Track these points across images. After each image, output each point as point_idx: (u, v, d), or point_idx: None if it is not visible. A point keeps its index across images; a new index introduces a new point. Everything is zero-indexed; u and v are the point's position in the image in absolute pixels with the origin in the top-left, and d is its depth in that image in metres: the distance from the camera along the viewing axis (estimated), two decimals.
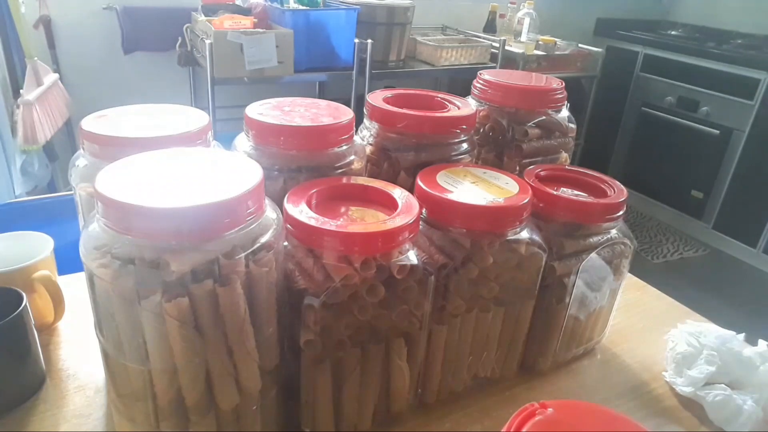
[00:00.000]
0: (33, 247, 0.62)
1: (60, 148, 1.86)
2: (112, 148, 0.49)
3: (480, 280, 0.51)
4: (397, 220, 0.45)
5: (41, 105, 1.54)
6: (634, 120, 2.84)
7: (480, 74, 0.72)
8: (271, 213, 0.43)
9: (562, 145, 0.72)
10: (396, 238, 0.44)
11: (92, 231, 0.39)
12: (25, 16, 1.63)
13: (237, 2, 1.96)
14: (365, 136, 0.63)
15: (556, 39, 2.39)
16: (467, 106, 0.65)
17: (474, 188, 0.53)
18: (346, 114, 0.57)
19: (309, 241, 0.45)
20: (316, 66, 1.87)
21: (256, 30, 1.72)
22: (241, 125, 0.56)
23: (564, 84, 0.71)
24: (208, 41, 1.66)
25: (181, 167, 0.43)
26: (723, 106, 2.45)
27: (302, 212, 0.45)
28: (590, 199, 0.58)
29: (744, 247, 2.49)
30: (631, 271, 0.67)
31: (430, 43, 2.13)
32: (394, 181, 0.58)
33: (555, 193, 0.58)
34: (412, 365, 0.51)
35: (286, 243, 0.46)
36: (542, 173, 0.62)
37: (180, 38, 1.98)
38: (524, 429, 0.35)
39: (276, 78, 1.80)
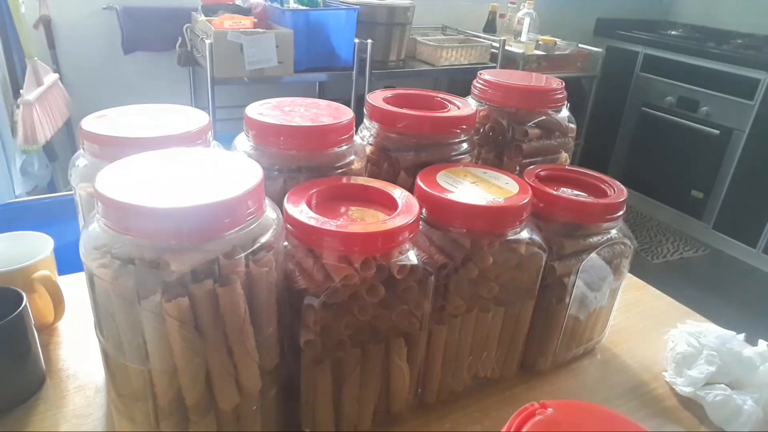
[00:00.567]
0: (33, 247, 0.62)
1: (60, 148, 1.86)
2: (112, 148, 0.49)
3: (480, 280, 0.51)
4: (397, 220, 0.45)
5: (41, 105, 1.53)
6: (634, 120, 2.84)
7: (480, 74, 0.72)
8: (271, 213, 0.43)
9: (562, 145, 0.72)
10: (396, 238, 0.44)
11: (92, 231, 0.39)
12: (25, 16, 1.62)
13: (237, 2, 1.96)
14: (365, 136, 0.63)
15: (556, 39, 2.39)
16: (467, 106, 0.65)
17: (474, 188, 0.53)
18: (346, 114, 0.57)
19: (309, 241, 0.45)
20: (316, 66, 1.87)
21: (256, 30, 1.72)
22: (241, 125, 0.56)
23: (564, 84, 0.71)
24: (208, 41, 1.66)
25: (181, 167, 0.43)
26: (723, 106, 2.45)
27: (302, 212, 0.45)
28: (590, 199, 0.58)
29: (744, 247, 2.49)
30: (631, 271, 0.67)
31: (430, 43, 2.13)
32: (394, 181, 0.58)
33: (555, 193, 0.58)
34: (412, 365, 0.51)
35: (286, 243, 0.46)
36: (542, 173, 0.62)
37: (180, 38, 1.98)
38: (524, 429, 0.35)
39: (276, 78, 1.80)
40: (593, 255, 0.58)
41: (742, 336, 0.64)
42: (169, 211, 0.36)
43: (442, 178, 0.54)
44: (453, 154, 0.62)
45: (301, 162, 0.54)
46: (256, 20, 1.79)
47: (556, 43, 2.37)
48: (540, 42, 2.35)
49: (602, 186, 0.62)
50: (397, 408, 0.53)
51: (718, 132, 2.47)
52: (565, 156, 0.73)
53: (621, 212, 0.58)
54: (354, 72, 1.92)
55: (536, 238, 0.53)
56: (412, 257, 0.46)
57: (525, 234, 0.53)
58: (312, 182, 0.51)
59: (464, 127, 0.62)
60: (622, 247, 0.61)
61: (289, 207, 0.46)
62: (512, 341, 0.59)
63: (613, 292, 0.64)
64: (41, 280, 0.59)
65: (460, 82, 2.38)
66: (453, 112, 0.63)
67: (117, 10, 1.92)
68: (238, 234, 0.39)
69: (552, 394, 0.60)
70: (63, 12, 1.88)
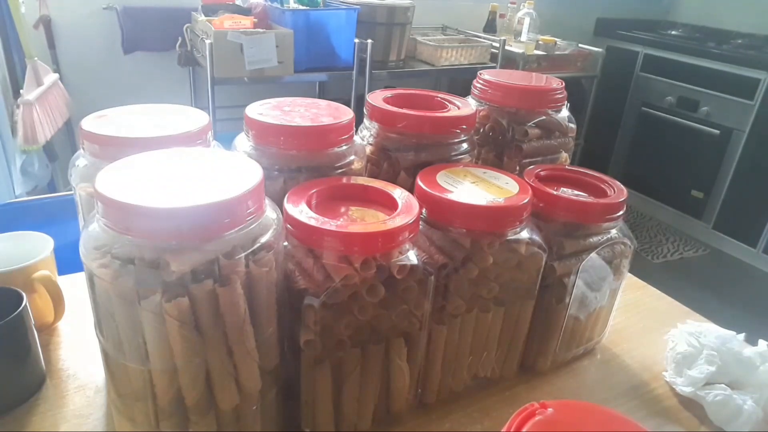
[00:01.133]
0: (33, 247, 0.62)
1: (60, 148, 1.86)
2: (112, 148, 0.49)
3: (480, 280, 0.51)
4: (397, 220, 0.45)
5: (41, 105, 1.53)
6: (634, 120, 2.84)
7: (480, 74, 0.72)
8: (271, 213, 0.43)
9: (562, 145, 0.72)
10: (396, 238, 0.44)
11: (92, 231, 0.39)
12: (25, 16, 1.62)
13: (237, 2, 1.96)
14: (365, 136, 0.63)
15: (556, 39, 2.39)
16: (467, 106, 0.65)
17: (474, 188, 0.53)
18: (346, 114, 0.57)
19: (309, 241, 0.45)
20: (316, 66, 1.87)
21: (256, 30, 1.72)
22: (241, 125, 0.56)
23: (564, 84, 0.71)
24: (208, 41, 1.66)
25: (181, 167, 0.43)
26: (723, 106, 2.45)
27: (302, 212, 0.45)
28: (590, 199, 0.58)
29: (744, 247, 2.49)
30: (631, 271, 0.67)
31: (430, 43, 2.13)
32: (394, 181, 0.58)
33: (555, 193, 0.58)
34: (412, 365, 0.51)
35: (286, 243, 0.46)
36: (542, 173, 0.62)
37: (180, 38, 1.98)
38: (524, 429, 0.35)
39: (276, 78, 1.80)
40: (593, 255, 0.58)
41: (742, 336, 0.64)
42: (169, 211, 0.36)
43: (442, 178, 0.54)
44: (453, 154, 0.62)
45: (301, 162, 0.54)
46: (256, 20, 1.79)
47: (556, 43, 2.37)
48: (540, 42, 2.35)
49: (602, 186, 0.62)
50: (397, 408, 0.53)
51: (718, 132, 2.47)
52: (565, 156, 0.73)
53: (621, 212, 0.58)
54: (354, 72, 1.92)
55: (536, 238, 0.53)
56: (412, 257, 0.46)
57: (525, 234, 0.53)
58: (312, 182, 0.51)
59: (464, 127, 0.62)
60: (622, 247, 0.61)
61: (289, 207, 0.46)
62: (512, 341, 0.59)
63: (613, 292, 0.64)
64: (41, 280, 0.59)
65: (460, 82, 2.39)
66: (453, 112, 0.63)
67: (117, 10, 1.92)
68: (238, 234, 0.39)
69: (552, 394, 0.60)
70: (63, 12, 1.88)
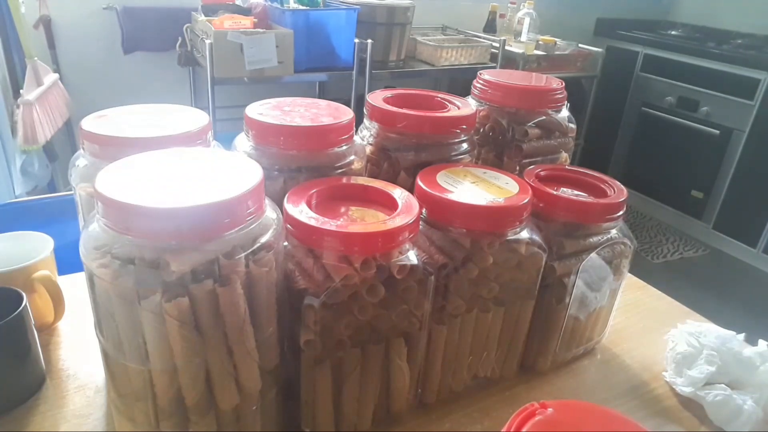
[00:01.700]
0: (33, 247, 0.62)
1: (60, 148, 1.86)
2: (112, 148, 0.49)
3: (480, 280, 0.51)
4: (397, 220, 0.45)
5: (41, 105, 1.53)
6: (634, 120, 2.84)
7: (480, 74, 0.72)
8: (271, 213, 0.43)
9: (562, 145, 0.72)
10: (396, 238, 0.44)
11: (92, 231, 0.39)
12: (25, 16, 1.62)
13: (237, 2, 1.96)
14: (365, 136, 0.63)
15: (556, 39, 2.39)
16: (467, 106, 0.65)
17: (474, 188, 0.53)
18: (346, 114, 0.57)
19: (309, 241, 0.45)
20: (316, 66, 1.87)
21: (256, 30, 1.72)
22: (241, 125, 0.56)
23: (564, 84, 0.71)
24: (208, 41, 1.66)
25: (181, 167, 0.43)
26: (723, 106, 2.45)
27: (302, 212, 0.45)
28: (590, 199, 0.58)
29: (744, 247, 2.49)
30: (631, 271, 0.67)
31: (430, 43, 2.13)
32: (394, 181, 0.58)
33: (555, 193, 0.58)
34: (412, 365, 0.51)
35: (286, 243, 0.46)
36: (542, 173, 0.62)
37: (180, 38, 1.98)
38: (524, 429, 0.35)
39: (276, 78, 1.80)
40: (593, 255, 0.58)
41: (742, 336, 0.64)
42: (169, 211, 0.36)
43: (442, 178, 0.54)
44: (453, 154, 0.62)
45: (301, 162, 0.54)
46: (256, 20, 1.79)
47: (556, 43, 2.37)
48: (540, 42, 2.35)
49: (602, 186, 0.62)
50: (397, 408, 0.53)
51: (718, 132, 2.47)
52: (565, 156, 0.73)
53: (621, 212, 0.58)
54: (354, 72, 1.92)
55: (536, 238, 0.53)
56: (412, 257, 0.46)
57: (525, 234, 0.53)
58: (312, 182, 0.51)
59: (464, 127, 0.62)
60: (622, 247, 0.61)
61: (289, 207, 0.46)
62: (512, 341, 0.59)
63: (613, 292, 0.64)
64: (41, 280, 0.59)
65: (460, 82, 2.38)
66: (453, 112, 0.63)
67: (117, 10, 1.92)
68: (238, 234, 0.39)
69: (552, 394, 0.60)
70: (63, 12, 1.88)
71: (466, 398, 0.58)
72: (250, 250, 0.40)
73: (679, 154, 2.66)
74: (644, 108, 2.77)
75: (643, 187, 2.85)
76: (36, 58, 1.57)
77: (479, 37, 2.34)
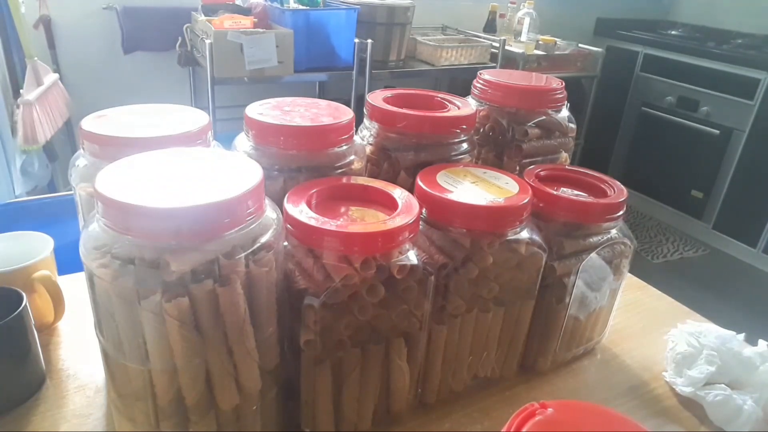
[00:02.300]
0: (33, 247, 0.62)
1: (60, 148, 1.86)
2: (112, 148, 0.49)
3: (480, 280, 0.51)
4: (397, 220, 0.45)
5: (41, 105, 1.53)
6: (634, 120, 2.84)
7: (480, 74, 0.72)
8: (271, 213, 0.43)
9: (562, 145, 0.72)
10: (396, 238, 0.44)
11: (92, 231, 0.39)
12: (25, 16, 1.62)
13: (237, 2, 1.96)
14: (365, 136, 0.63)
15: (556, 39, 2.39)
16: (467, 106, 0.65)
17: (474, 188, 0.53)
18: (346, 114, 0.57)
19: (309, 241, 0.45)
20: (316, 66, 1.87)
21: (256, 30, 1.71)
22: (241, 125, 0.56)
23: (564, 84, 0.71)
24: (208, 41, 1.66)
25: (181, 167, 0.43)
26: (723, 106, 2.45)
27: (302, 212, 0.45)
28: (590, 199, 0.58)
29: (744, 247, 2.49)
30: (631, 271, 0.67)
31: (430, 43, 2.13)
32: (394, 181, 0.58)
33: (555, 193, 0.58)
34: (412, 365, 0.51)
35: (286, 243, 0.46)
36: (542, 173, 0.62)
37: (180, 38, 1.98)
38: (524, 429, 0.35)
39: (276, 78, 1.80)
40: (593, 255, 0.58)
41: (742, 336, 0.64)
42: (169, 211, 0.36)
43: (442, 178, 0.54)
44: (453, 154, 0.62)
45: (301, 162, 0.54)
46: (256, 20, 1.79)
47: (556, 43, 2.37)
48: (540, 42, 2.35)
49: (602, 186, 0.62)
50: (397, 408, 0.53)
51: (718, 132, 2.47)
52: (565, 156, 0.73)
53: (621, 212, 0.58)
54: (354, 72, 1.92)
55: (536, 238, 0.53)
56: (412, 257, 0.46)
57: (525, 234, 0.53)
58: (312, 182, 0.51)
59: (464, 127, 0.62)
60: (622, 247, 0.61)
61: (289, 207, 0.46)
62: (512, 341, 0.59)
63: (613, 292, 0.64)
64: (41, 280, 0.59)
65: (460, 82, 2.39)
66: (453, 112, 0.63)
67: (117, 10, 1.92)
68: (238, 234, 0.39)
69: (552, 394, 0.60)
70: (63, 12, 1.88)
71: (466, 398, 0.58)
72: (250, 250, 0.40)
73: (679, 154, 2.66)
74: (644, 108, 2.77)
75: (643, 187, 2.85)
76: (36, 58, 1.57)
77: (479, 37, 2.34)
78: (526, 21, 2.43)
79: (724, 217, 2.55)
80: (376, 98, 0.63)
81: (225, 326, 0.40)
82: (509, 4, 2.55)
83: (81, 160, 0.53)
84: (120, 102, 0.61)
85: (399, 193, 0.50)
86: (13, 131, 1.51)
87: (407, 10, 2.01)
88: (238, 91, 2.01)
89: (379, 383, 0.51)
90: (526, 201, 0.52)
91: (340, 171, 0.56)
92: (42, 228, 0.65)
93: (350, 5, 1.88)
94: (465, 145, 0.63)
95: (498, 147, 0.70)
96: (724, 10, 2.93)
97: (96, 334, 0.44)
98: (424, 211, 0.51)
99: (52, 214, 1.04)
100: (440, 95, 0.68)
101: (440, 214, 0.51)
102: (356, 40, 1.88)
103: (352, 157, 0.57)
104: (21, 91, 1.54)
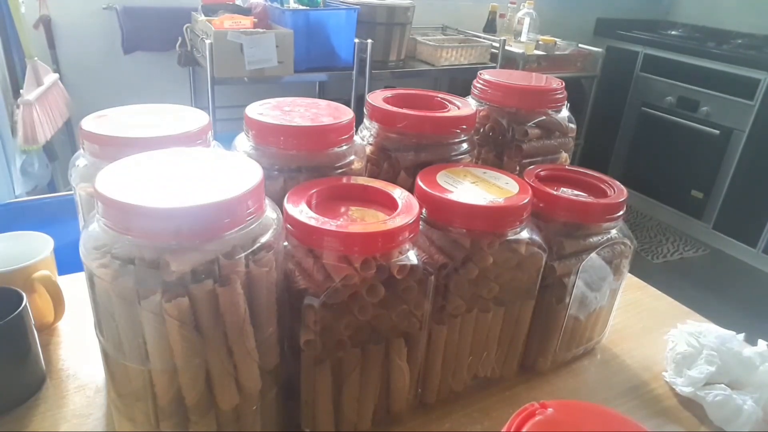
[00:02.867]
0: (33, 247, 0.62)
1: (60, 148, 1.86)
2: (112, 148, 0.49)
3: (480, 280, 0.51)
4: (397, 220, 0.45)
5: (41, 105, 1.53)
6: (634, 120, 2.84)
7: (480, 74, 0.72)
8: (271, 213, 0.43)
9: (562, 145, 0.72)
10: (396, 238, 0.44)
11: (92, 231, 0.39)
12: (25, 16, 1.62)
13: (237, 2, 1.96)
14: (365, 136, 0.63)
15: (556, 39, 2.39)
16: (467, 106, 0.65)
17: (474, 188, 0.53)
18: (346, 114, 0.57)
19: (309, 241, 0.45)
20: (316, 66, 1.87)
21: (256, 30, 1.71)
22: (241, 125, 0.56)
23: (564, 84, 0.71)
24: (208, 41, 1.66)
25: (181, 167, 0.43)
26: (723, 106, 2.45)
27: (302, 212, 0.45)
28: (590, 199, 0.58)
29: (744, 247, 2.49)
30: (631, 271, 0.67)
31: (430, 43, 2.13)
32: (394, 181, 0.58)
33: (555, 193, 0.58)
34: (412, 365, 0.51)
35: (286, 243, 0.46)
36: (542, 173, 0.62)
37: (180, 38, 1.98)
38: (524, 429, 0.35)
39: (276, 78, 1.80)
40: (593, 255, 0.58)
41: (742, 336, 0.64)
42: (169, 211, 0.36)
43: (442, 178, 0.54)
44: (453, 154, 0.62)
45: (301, 162, 0.54)
46: (256, 20, 1.79)
47: (556, 43, 2.37)
48: (540, 42, 2.35)
49: (602, 186, 0.62)
50: (397, 408, 0.53)
51: (718, 132, 2.47)
52: (565, 156, 0.73)
53: (621, 212, 0.58)
54: (354, 72, 1.92)
55: (536, 238, 0.53)
56: (412, 257, 0.46)
57: (525, 234, 0.53)
58: (312, 182, 0.51)
59: (464, 127, 0.62)
60: (622, 247, 0.61)
61: (289, 207, 0.46)
62: (512, 341, 0.59)
63: (613, 292, 0.64)
64: (41, 280, 0.59)
65: (460, 82, 2.39)
66: (453, 112, 0.63)
67: (117, 10, 1.92)
68: (238, 234, 0.39)
69: (552, 394, 0.60)
70: (63, 12, 1.88)
71: (466, 398, 0.58)
72: (250, 250, 0.40)
73: (679, 154, 2.66)
74: (644, 108, 2.77)
75: (643, 187, 2.85)
76: (36, 58, 1.57)
77: (479, 37, 2.34)
78: (526, 21, 2.43)
79: (724, 217, 2.55)
80: (376, 98, 0.63)
81: (225, 326, 0.40)
82: (509, 4, 2.55)
83: (81, 160, 0.53)
84: (120, 102, 0.61)
85: (399, 193, 0.50)
86: (13, 131, 1.51)
87: (407, 10, 2.01)
88: (238, 91, 2.01)
89: (379, 383, 0.51)
90: (526, 201, 0.52)
91: (340, 171, 0.56)
92: (42, 228, 0.65)
93: (350, 5, 1.88)
94: (465, 145, 0.63)
95: (498, 147, 0.70)
96: (724, 10, 2.93)
97: (96, 334, 0.44)
98: (424, 211, 0.51)
99: (52, 214, 1.04)
100: (440, 95, 0.68)
101: (440, 214, 0.51)
102: (356, 40, 1.88)
103: (352, 157, 0.57)
104: (21, 91, 1.54)
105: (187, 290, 0.38)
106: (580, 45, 2.47)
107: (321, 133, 0.54)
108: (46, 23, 1.85)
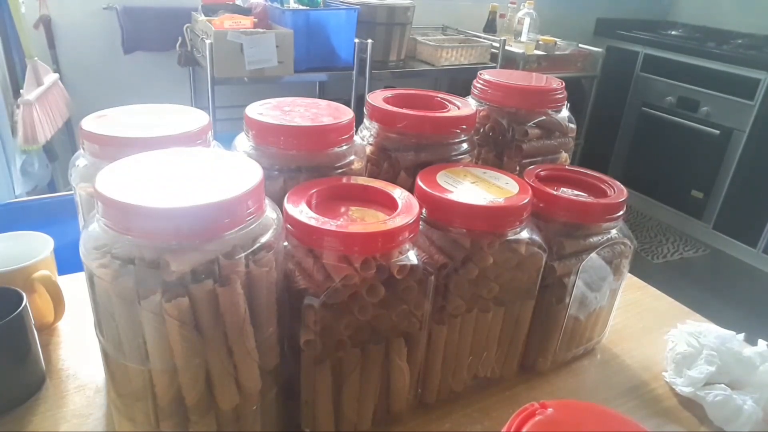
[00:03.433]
0: (33, 247, 0.62)
1: (60, 148, 1.86)
2: (112, 148, 0.49)
3: (480, 280, 0.51)
4: (397, 220, 0.45)
5: (41, 105, 1.53)
6: (634, 120, 2.84)
7: (480, 74, 0.72)
8: (271, 213, 0.43)
9: (562, 145, 0.72)
10: (396, 238, 0.44)
11: (92, 231, 0.39)
12: (25, 16, 1.62)
13: (237, 2, 1.96)
14: (365, 136, 0.63)
15: (556, 39, 2.39)
16: (467, 106, 0.65)
17: (474, 188, 0.53)
18: (346, 114, 0.57)
19: (309, 241, 0.45)
20: (316, 66, 1.87)
21: (256, 30, 1.72)
22: (241, 125, 0.56)
23: (564, 84, 0.71)
24: (208, 41, 1.66)
25: (181, 167, 0.43)
26: (723, 106, 2.45)
27: (302, 212, 0.45)
28: (590, 199, 0.58)
29: (744, 247, 2.49)
30: (631, 271, 0.67)
31: (430, 43, 2.13)
32: (394, 181, 0.58)
33: (555, 193, 0.58)
34: (412, 365, 0.51)
35: (286, 243, 0.46)
36: (542, 173, 0.62)
37: (180, 38, 1.98)
38: (524, 429, 0.35)
39: (276, 78, 1.80)
40: (593, 255, 0.58)
41: (742, 336, 0.64)
42: (169, 211, 0.36)
43: (442, 178, 0.54)
44: (453, 154, 0.62)
45: (301, 162, 0.54)
46: (256, 20, 1.79)
47: (556, 43, 2.37)
48: (540, 42, 2.35)
49: (602, 186, 0.62)
50: (397, 408, 0.53)
51: (718, 132, 2.47)
52: (565, 156, 0.73)
53: (621, 212, 0.58)
54: (354, 72, 1.92)
55: (536, 238, 0.53)
56: (412, 257, 0.46)
57: (525, 234, 0.53)
58: (312, 182, 0.51)
59: (464, 127, 0.62)
60: (622, 247, 0.61)
61: (289, 207, 0.46)
62: (512, 341, 0.59)
63: (613, 292, 0.64)
64: (41, 280, 0.59)
65: (460, 82, 2.38)
66: (453, 112, 0.63)
67: (117, 10, 1.92)
68: (238, 234, 0.39)
69: (552, 394, 0.60)
70: (63, 12, 1.88)
71: (466, 398, 0.58)
72: (250, 250, 0.40)
73: (679, 154, 2.66)
74: (644, 108, 2.77)
75: (643, 187, 2.85)
76: (36, 58, 1.57)
77: (479, 37, 2.34)
78: (526, 21, 2.43)
79: (724, 217, 2.55)
80: (376, 98, 0.63)
81: (225, 326, 0.40)
82: (509, 4, 2.55)
83: (81, 160, 0.53)
84: (120, 102, 0.61)
85: (399, 193, 0.50)
86: (13, 131, 1.51)
87: (407, 10, 2.01)
88: (238, 91, 2.01)
89: (379, 383, 0.51)
90: (526, 201, 0.52)
91: (340, 171, 0.56)
92: (42, 228, 0.65)
93: (350, 5, 1.88)
94: (465, 145, 0.63)
95: (498, 147, 0.70)
96: (724, 10, 2.93)
97: (96, 334, 0.44)
98: (424, 211, 0.51)
99: (52, 214, 1.04)
100: (440, 95, 0.68)
101: (440, 214, 0.51)
102: (356, 40, 1.88)
103: (352, 157, 0.57)
104: (21, 91, 1.54)
105: (187, 290, 0.38)
106: (580, 45, 2.47)
107: (321, 133, 0.54)
108: (46, 23, 1.85)
